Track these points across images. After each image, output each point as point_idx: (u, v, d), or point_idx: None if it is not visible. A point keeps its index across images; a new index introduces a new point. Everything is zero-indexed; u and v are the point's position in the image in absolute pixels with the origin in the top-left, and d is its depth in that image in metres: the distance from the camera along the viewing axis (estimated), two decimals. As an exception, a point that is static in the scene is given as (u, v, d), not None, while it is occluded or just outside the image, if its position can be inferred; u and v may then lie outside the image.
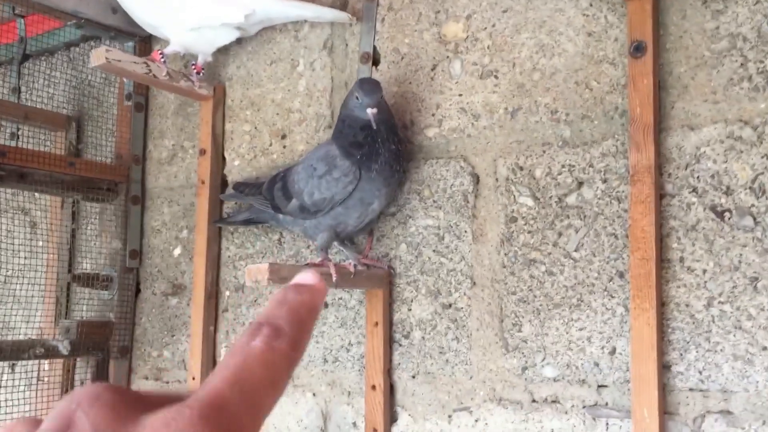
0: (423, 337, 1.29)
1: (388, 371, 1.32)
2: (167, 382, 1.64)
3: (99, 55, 1.37)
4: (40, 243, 1.87)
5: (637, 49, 1.07)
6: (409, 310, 1.31)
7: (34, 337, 1.75)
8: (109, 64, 1.37)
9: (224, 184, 1.59)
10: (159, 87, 1.54)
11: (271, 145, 1.53)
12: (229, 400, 0.23)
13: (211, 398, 0.23)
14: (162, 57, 1.45)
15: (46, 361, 1.73)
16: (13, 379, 1.81)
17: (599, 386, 1.11)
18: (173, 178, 1.69)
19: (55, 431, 0.23)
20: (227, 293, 1.57)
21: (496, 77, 1.25)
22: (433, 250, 1.29)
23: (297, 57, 1.51)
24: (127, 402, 0.24)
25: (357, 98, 1.19)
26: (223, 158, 1.60)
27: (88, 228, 1.77)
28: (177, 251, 1.67)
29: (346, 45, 1.44)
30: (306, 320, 0.27)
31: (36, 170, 1.51)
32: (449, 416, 1.25)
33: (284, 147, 1.51)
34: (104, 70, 1.41)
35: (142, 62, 1.44)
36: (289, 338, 0.26)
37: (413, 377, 1.30)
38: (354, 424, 1.36)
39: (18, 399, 1.74)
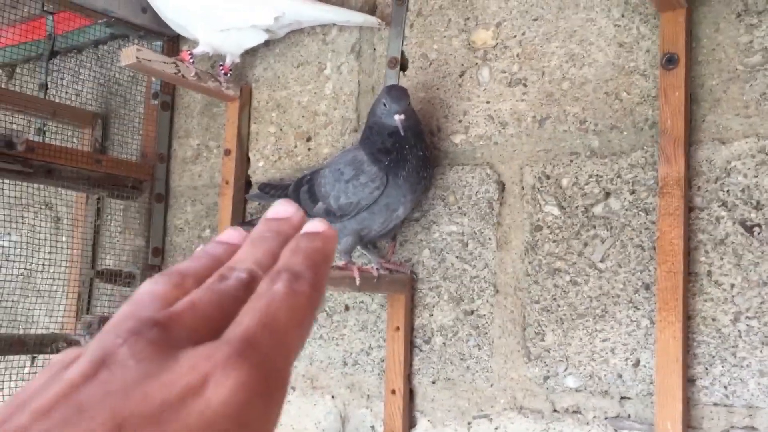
0: (444, 343, 1.29)
1: (408, 376, 1.32)
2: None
3: (130, 54, 1.38)
4: (64, 238, 1.89)
5: (670, 61, 1.07)
6: (431, 315, 1.31)
7: (55, 331, 1.77)
8: (139, 63, 1.38)
9: (248, 184, 1.60)
10: (187, 87, 1.55)
11: (296, 147, 1.54)
12: (261, 339, 0.24)
13: (246, 337, 0.24)
14: (191, 57, 1.46)
15: (67, 356, 1.74)
16: (34, 373, 1.83)
17: (622, 398, 1.11)
18: (197, 178, 1.71)
19: (96, 361, 0.23)
20: (248, 293, 1.57)
21: (524, 85, 1.25)
22: (457, 257, 1.29)
23: (324, 60, 1.52)
24: (168, 337, 0.24)
25: (385, 105, 1.19)
26: (248, 159, 1.60)
27: (112, 225, 1.79)
28: (199, 250, 1.67)
29: (374, 49, 1.45)
30: (321, 265, 0.28)
31: (63, 167, 1.53)
32: (468, 423, 1.25)
33: (309, 149, 1.52)
34: (134, 69, 1.42)
35: (172, 62, 1.45)
36: (309, 281, 0.27)
37: (433, 383, 1.30)
38: (372, 428, 1.36)
39: (38, 392, 1.75)
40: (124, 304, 0.28)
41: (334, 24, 1.48)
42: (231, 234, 0.32)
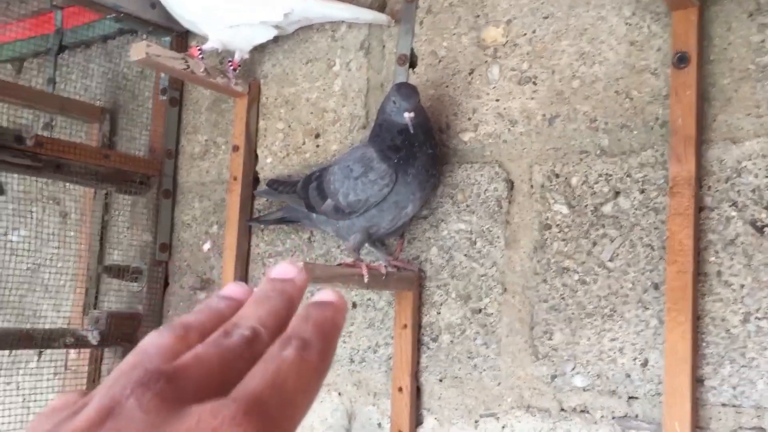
0: (451, 341, 1.29)
1: (416, 374, 1.32)
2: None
3: (139, 49, 1.38)
4: (71, 233, 1.89)
5: (681, 60, 1.07)
6: (439, 313, 1.31)
7: (62, 326, 1.78)
8: (148, 59, 1.38)
9: (256, 181, 1.60)
10: (196, 83, 1.55)
11: (304, 143, 1.54)
12: (269, 400, 0.25)
13: (254, 396, 0.24)
14: (200, 53, 1.46)
15: (74, 351, 1.75)
16: (40, 368, 1.83)
17: (630, 398, 1.10)
18: (205, 174, 1.71)
19: (104, 409, 0.24)
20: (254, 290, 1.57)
21: (534, 83, 1.25)
22: (465, 255, 1.29)
23: (333, 57, 1.51)
24: (175, 389, 0.25)
25: (394, 102, 1.19)
26: (256, 155, 1.60)
27: (119, 220, 1.79)
28: (206, 246, 1.68)
29: (383, 46, 1.44)
30: (330, 334, 0.29)
31: (72, 161, 1.53)
32: (476, 421, 1.25)
33: (317, 146, 1.52)
34: (143, 64, 1.42)
35: (181, 58, 1.45)
36: (318, 350, 0.27)
37: (440, 381, 1.30)
38: (379, 425, 1.36)
39: (44, 387, 1.76)
40: (129, 354, 0.28)
41: (343, 21, 1.47)
42: (234, 289, 0.32)
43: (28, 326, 1.72)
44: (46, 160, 1.49)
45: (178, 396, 0.25)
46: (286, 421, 0.25)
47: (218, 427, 0.23)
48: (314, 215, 1.36)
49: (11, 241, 1.85)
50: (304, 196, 1.36)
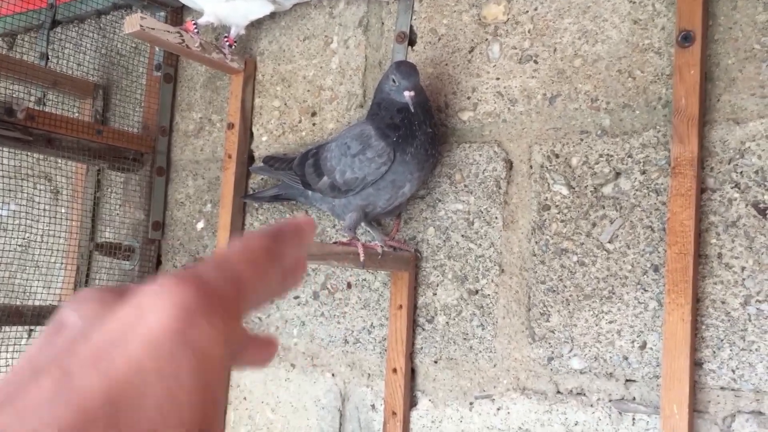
0: (447, 323, 1.28)
1: (410, 355, 1.30)
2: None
3: (133, 22, 1.35)
4: (63, 210, 1.87)
5: (685, 39, 1.05)
6: (434, 294, 1.30)
7: (53, 303, 1.75)
8: (143, 32, 1.36)
9: (251, 159, 1.58)
10: (191, 58, 1.52)
11: (300, 122, 1.51)
12: (209, 273, 0.25)
13: (192, 271, 0.25)
14: (195, 27, 1.43)
15: (65, 329, 1.73)
16: (31, 345, 1.81)
17: (627, 380, 1.09)
18: (199, 151, 1.68)
19: (49, 331, 0.25)
20: (249, 269, 1.55)
21: (535, 62, 1.23)
22: (462, 235, 1.28)
23: (331, 34, 1.49)
24: (115, 293, 0.26)
25: (394, 81, 1.17)
26: (251, 133, 1.58)
27: (112, 197, 1.77)
28: (200, 225, 1.66)
29: (382, 24, 1.42)
30: (289, 238, 0.29)
31: (64, 136, 1.51)
32: (471, 403, 1.24)
33: (314, 125, 1.49)
34: (137, 37, 1.39)
35: (176, 32, 1.42)
36: (268, 239, 0.28)
37: (435, 362, 1.28)
38: (373, 406, 1.35)
39: (35, 364, 1.74)
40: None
41: (341, -4, 1.45)
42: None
43: (18, 303, 1.70)
44: (37, 134, 1.47)
45: (116, 296, 0.26)
46: (231, 289, 0.25)
47: (150, 300, 0.23)
48: (310, 193, 1.34)
49: (2, 216, 1.83)
50: (300, 173, 1.34)
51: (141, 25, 1.35)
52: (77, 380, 0.21)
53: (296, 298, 1.47)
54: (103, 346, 0.22)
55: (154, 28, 1.37)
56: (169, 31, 1.41)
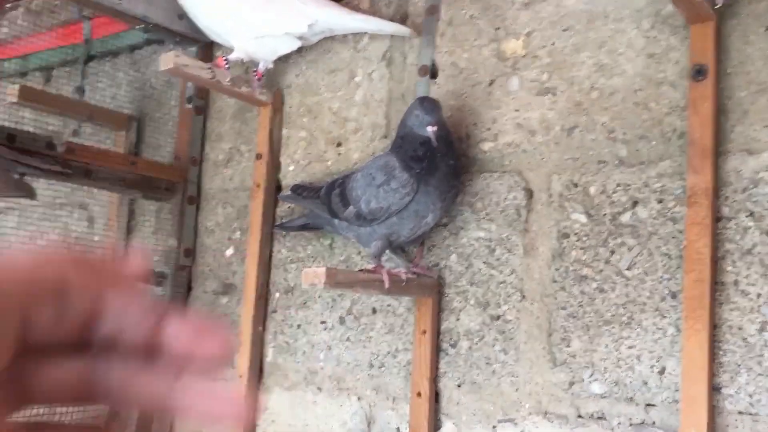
0: (470, 347, 1.31)
1: (434, 379, 1.34)
2: (214, 380, 1.68)
3: (168, 59, 1.42)
4: (96, 238, 1.93)
5: (699, 73, 1.08)
6: (458, 319, 1.33)
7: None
8: (177, 68, 1.42)
9: (278, 188, 1.63)
10: (221, 92, 1.59)
11: (326, 152, 1.57)
12: None
13: None
14: (226, 63, 1.50)
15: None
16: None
17: (647, 405, 1.12)
18: (228, 181, 1.74)
19: None
20: (277, 295, 1.60)
21: (553, 94, 1.27)
22: (484, 262, 1.31)
23: (355, 68, 1.55)
24: None
25: (417, 116, 1.22)
26: (279, 163, 1.64)
27: (145, 225, 1.83)
28: (229, 252, 1.71)
29: (405, 58, 1.47)
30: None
31: (100, 168, 1.57)
32: (494, 427, 1.27)
33: (339, 155, 1.55)
34: (172, 74, 1.46)
35: (207, 68, 1.48)
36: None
37: (459, 386, 1.32)
38: (398, 429, 1.39)
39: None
40: None
41: (366, 32, 1.51)
42: None
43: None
44: (75, 166, 1.53)
45: None
46: None
47: None
48: (336, 221, 1.39)
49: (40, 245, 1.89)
50: (327, 202, 1.39)
51: (175, 63, 1.42)
52: None
53: (323, 323, 1.52)
54: None
55: (187, 65, 1.44)
56: (201, 68, 1.47)
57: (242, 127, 1.74)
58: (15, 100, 1.65)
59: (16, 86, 1.67)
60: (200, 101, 1.78)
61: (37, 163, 1.40)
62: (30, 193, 1.41)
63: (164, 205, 1.76)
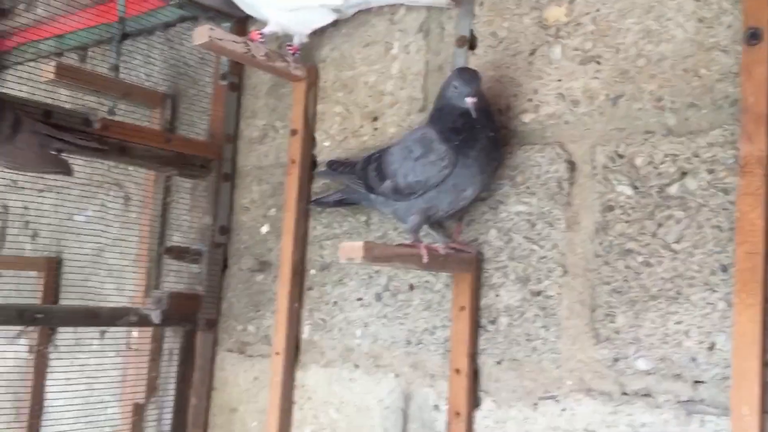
0: (510, 324, 1.28)
1: (473, 356, 1.32)
2: (251, 356, 1.68)
3: (202, 33, 1.40)
4: (133, 216, 1.94)
5: (753, 36, 1.04)
6: (497, 295, 1.30)
7: (126, 305, 1.82)
8: (211, 42, 1.41)
9: (314, 164, 1.61)
10: (256, 66, 1.57)
11: (362, 127, 1.54)
12: None
13: None
14: (261, 37, 1.48)
15: (136, 330, 1.80)
16: (103, 346, 1.89)
17: (695, 381, 1.08)
18: (263, 157, 1.73)
19: None
20: (313, 272, 1.59)
21: (598, 63, 1.23)
22: (524, 237, 1.28)
23: (391, 40, 1.52)
24: None
25: (455, 87, 1.19)
26: (314, 139, 1.62)
27: (180, 203, 1.83)
28: (264, 229, 1.70)
29: (442, 29, 1.44)
30: None
31: (136, 145, 1.57)
32: (534, 404, 1.24)
33: (375, 129, 1.52)
34: (206, 48, 1.45)
35: (242, 42, 1.47)
36: None
37: (498, 363, 1.29)
38: (436, 406, 1.37)
39: (108, 364, 1.81)
40: None
41: (402, 4, 1.47)
42: None
43: (93, 305, 1.77)
44: (111, 143, 1.53)
45: None
46: None
47: None
48: (373, 196, 1.36)
49: (78, 221, 1.91)
50: (363, 176, 1.37)
51: (210, 36, 1.40)
52: None
53: (359, 300, 1.50)
54: None
55: (221, 39, 1.42)
56: (235, 42, 1.46)
57: (277, 103, 1.72)
58: (52, 77, 1.65)
59: (53, 64, 1.67)
60: (234, 78, 1.77)
61: (73, 139, 1.40)
62: (66, 169, 1.41)
63: (199, 182, 1.76)
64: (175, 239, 1.83)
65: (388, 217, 1.45)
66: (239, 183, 1.77)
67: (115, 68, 2.04)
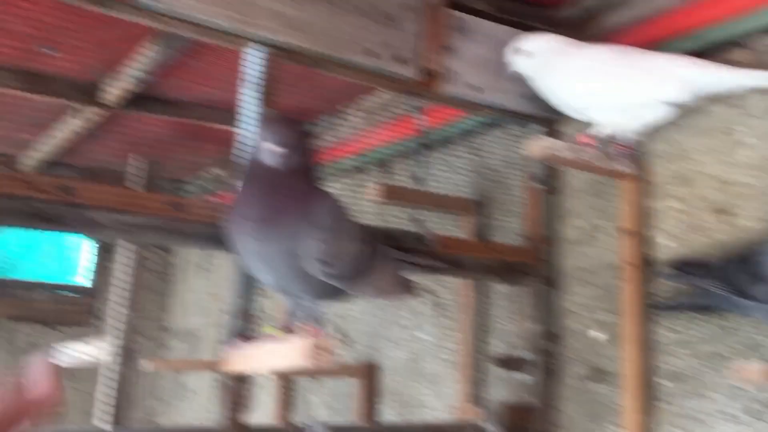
0: None
1: None
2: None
3: (535, 145, 1.40)
4: (448, 322, 1.96)
5: None
6: None
7: (445, 415, 1.82)
8: (545, 153, 1.40)
9: (650, 265, 1.51)
10: (587, 170, 1.53)
11: (707, 222, 1.42)
12: None
13: None
14: (592, 140, 1.44)
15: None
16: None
17: None
18: (587, 259, 1.66)
19: None
20: (662, 381, 1.46)
21: None
22: None
23: (734, 125, 1.40)
24: None
25: None
26: (649, 238, 1.52)
27: (498, 308, 1.81)
28: (595, 334, 1.62)
29: (802, 108, 1.29)
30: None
31: (466, 256, 1.58)
32: None
33: (725, 224, 1.39)
34: (540, 158, 1.44)
35: (575, 148, 1.43)
36: None
37: None
38: None
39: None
40: None
41: (750, 86, 1.35)
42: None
43: (411, 416, 1.78)
44: (448, 259, 1.55)
45: None
46: None
47: None
48: (742, 300, 1.23)
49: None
50: (729, 278, 1.24)
51: (543, 147, 1.39)
52: None
53: (728, 415, 1.34)
54: None
55: (554, 148, 1.41)
56: (568, 149, 1.43)
57: (598, 202, 1.65)
58: (378, 198, 1.74)
59: (375, 184, 1.76)
60: (549, 179, 1.74)
61: (417, 260, 1.43)
62: (412, 291, 1.44)
63: (519, 287, 1.72)
64: (496, 346, 1.81)
65: (750, 321, 1.30)
66: (562, 286, 1.71)
67: (419, 179, 2.12)
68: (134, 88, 2.01)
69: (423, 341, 1.96)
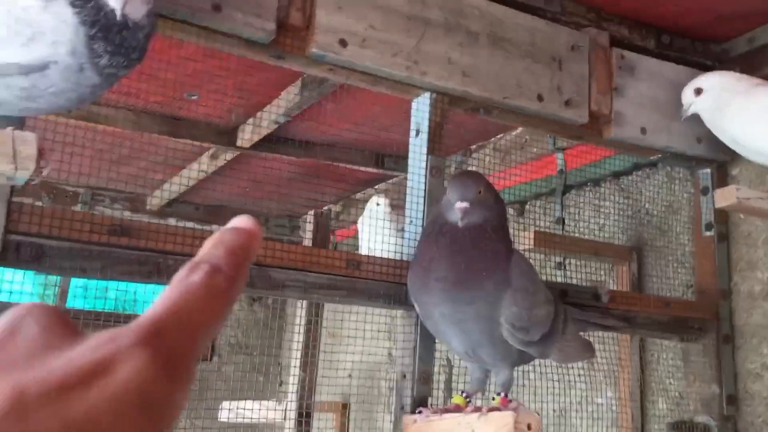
0: None
1: None
2: None
3: (729, 194, 1.28)
4: (599, 376, 1.83)
5: None
6: None
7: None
8: (738, 203, 1.27)
9: None
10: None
11: None
12: (169, 327, 0.24)
13: (151, 324, 0.24)
14: (790, 189, 1.31)
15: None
16: None
17: None
18: (771, 316, 1.52)
19: (4, 332, 0.24)
20: None
21: None
22: None
23: None
24: (67, 320, 0.25)
25: None
26: None
27: (665, 367, 1.68)
28: (783, 399, 1.47)
29: None
30: (242, 261, 0.28)
31: (638, 313, 1.47)
32: None
33: None
34: (732, 209, 1.32)
35: (762, 195, 1.31)
36: (226, 276, 0.26)
37: None
38: None
39: None
40: None
41: None
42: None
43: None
44: (616, 313, 1.45)
45: (76, 325, 0.25)
46: (187, 345, 0.24)
47: (115, 352, 0.22)
48: None
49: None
50: None
51: (738, 197, 1.27)
52: (32, 414, 0.20)
53: None
54: (62, 382, 0.21)
55: (749, 198, 1.28)
56: (761, 198, 1.30)
57: (782, 253, 1.51)
58: (531, 245, 1.65)
59: (531, 231, 1.67)
60: (722, 227, 1.61)
61: (598, 320, 1.33)
62: (593, 352, 1.34)
63: (693, 345, 1.59)
64: (661, 407, 1.67)
65: None
66: (742, 344, 1.56)
67: (560, 221, 2.02)
68: (270, 131, 1.99)
69: (572, 396, 1.84)
